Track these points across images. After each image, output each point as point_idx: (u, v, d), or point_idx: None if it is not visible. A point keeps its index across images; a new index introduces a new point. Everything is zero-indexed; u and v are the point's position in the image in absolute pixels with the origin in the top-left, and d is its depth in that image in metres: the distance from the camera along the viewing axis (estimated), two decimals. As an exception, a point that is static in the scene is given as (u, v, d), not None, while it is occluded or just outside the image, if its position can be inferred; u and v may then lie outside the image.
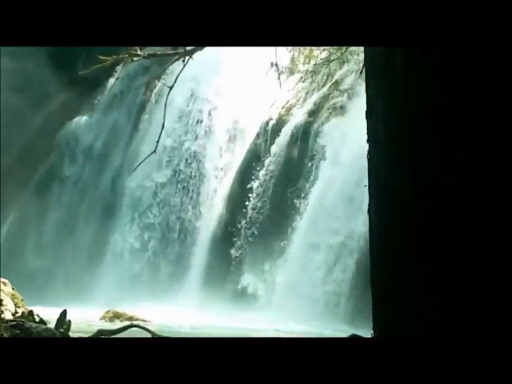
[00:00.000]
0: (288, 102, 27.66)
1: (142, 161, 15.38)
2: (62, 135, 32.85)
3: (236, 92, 29.47)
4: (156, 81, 28.60)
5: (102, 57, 12.70)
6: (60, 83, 33.60)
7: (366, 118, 6.65)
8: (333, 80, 25.98)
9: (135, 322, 16.17)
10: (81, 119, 33.08)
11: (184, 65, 12.34)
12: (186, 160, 29.15)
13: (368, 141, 6.19)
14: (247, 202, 26.39)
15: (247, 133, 28.67)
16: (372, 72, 6.86)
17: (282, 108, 27.63)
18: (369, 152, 5.79)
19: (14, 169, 30.85)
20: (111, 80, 33.17)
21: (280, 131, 26.79)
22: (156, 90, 29.69)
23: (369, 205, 5.17)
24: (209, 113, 29.51)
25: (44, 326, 11.49)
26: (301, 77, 26.66)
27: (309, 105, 26.73)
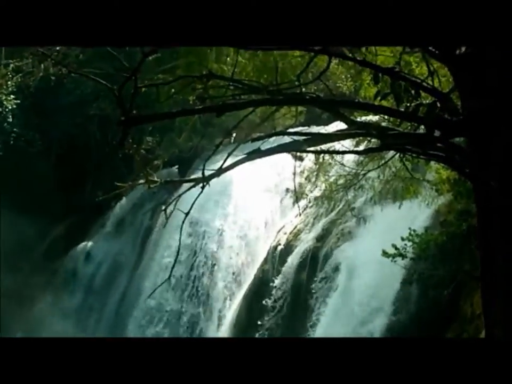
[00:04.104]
0: (296, 227, 27.61)
1: (156, 289, 15.24)
2: (67, 261, 32.69)
3: (242, 218, 29.50)
4: (163, 206, 28.70)
5: (118, 184, 12.66)
6: (66, 207, 33.73)
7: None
8: (341, 206, 26.01)
9: None
10: (87, 245, 32.97)
11: (201, 191, 12.29)
12: (192, 287, 28.85)
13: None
14: (256, 330, 25.93)
15: (255, 258, 28.51)
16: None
17: (290, 233, 27.56)
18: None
19: (19, 293, 30.53)
20: (118, 205, 33.33)
21: (288, 256, 26.59)
22: (162, 215, 29.64)
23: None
24: (216, 239, 29.42)
25: None
26: (309, 202, 26.74)
27: (317, 230, 26.63)
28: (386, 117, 13.37)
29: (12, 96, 31.97)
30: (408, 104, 8.73)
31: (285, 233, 27.84)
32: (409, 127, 11.42)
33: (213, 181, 12.45)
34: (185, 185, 13.13)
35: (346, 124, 10.12)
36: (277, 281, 26.33)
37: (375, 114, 13.92)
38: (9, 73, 27.39)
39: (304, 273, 25.80)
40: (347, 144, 15.42)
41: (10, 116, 33.13)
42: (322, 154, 15.98)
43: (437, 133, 8.75)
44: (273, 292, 26.25)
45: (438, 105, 8.42)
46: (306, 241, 26.56)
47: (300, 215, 27.46)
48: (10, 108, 32.57)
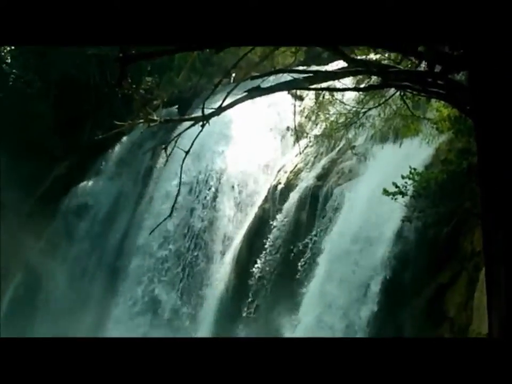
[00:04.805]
0: (296, 166, 27.64)
1: (158, 224, 15.33)
2: (68, 200, 32.77)
3: (243, 156, 29.50)
4: (163, 146, 28.61)
5: (118, 123, 12.60)
6: (66, 148, 33.71)
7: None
8: (341, 145, 25.99)
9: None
10: (88, 183, 33.02)
11: (201, 130, 12.27)
12: (194, 223, 28.97)
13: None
14: (255, 267, 26.13)
15: (255, 197, 28.58)
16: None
17: (290, 172, 27.60)
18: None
19: (20, 234, 30.68)
20: (118, 145, 33.33)
21: (288, 195, 26.68)
22: (163, 155, 29.62)
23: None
24: (217, 177, 29.44)
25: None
26: (310, 141, 26.74)
27: (318, 169, 26.66)
28: (386, 55, 13.29)
29: (10, 37, 31.72)
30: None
31: (285, 172, 27.88)
32: (409, 65, 11.36)
33: (213, 121, 12.44)
34: (185, 125, 13.12)
35: (346, 62, 10.06)
36: (277, 220, 26.48)
37: (376, 52, 13.82)
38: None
39: (304, 212, 25.91)
40: (347, 82, 15.33)
41: (8, 57, 32.95)
42: (322, 93, 15.90)
43: (437, 70, 8.71)
44: (274, 229, 26.41)
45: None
46: (307, 180, 26.61)
47: (300, 153, 27.47)
48: (8, 49, 32.38)
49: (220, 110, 12.23)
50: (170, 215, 14.22)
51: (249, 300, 25.92)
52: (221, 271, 27.94)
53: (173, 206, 14.54)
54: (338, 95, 16.37)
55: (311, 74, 10.56)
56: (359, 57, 11.17)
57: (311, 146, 27.15)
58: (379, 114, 16.00)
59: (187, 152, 12.53)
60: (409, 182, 18.53)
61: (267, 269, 26.03)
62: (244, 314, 25.73)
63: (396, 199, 18.53)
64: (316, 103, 17.68)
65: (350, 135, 18.55)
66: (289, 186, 27.07)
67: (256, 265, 26.15)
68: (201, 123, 12.13)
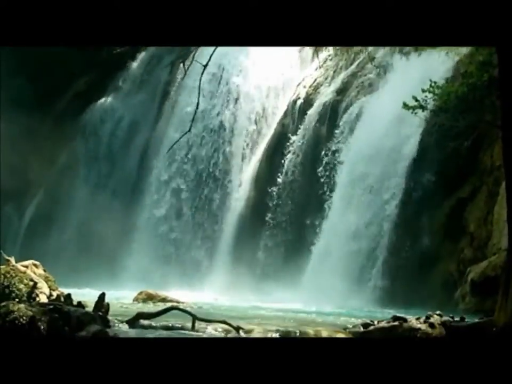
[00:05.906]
0: (315, 80, 27.34)
1: (178, 139, 15.31)
2: (88, 116, 32.67)
3: (262, 71, 29.20)
4: (181, 60, 28.32)
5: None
6: (84, 64, 33.38)
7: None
8: (361, 58, 25.66)
9: (168, 304, 15.98)
10: (107, 100, 32.86)
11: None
12: (215, 139, 28.89)
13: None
14: (275, 181, 26.15)
15: (275, 112, 28.40)
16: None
17: (310, 86, 27.32)
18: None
19: (41, 150, 30.72)
20: (136, 61, 33.04)
21: (308, 110, 26.49)
22: (181, 69, 29.28)
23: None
24: (236, 92, 29.21)
25: (82, 310, 11.12)
26: (329, 55, 26.40)
27: (337, 83, 26.39)
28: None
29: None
30: None
31: (305, 87, 27.61)
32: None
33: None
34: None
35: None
36: (297, 135, 26.36)
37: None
38: None
39: (323, 128, 25.77)
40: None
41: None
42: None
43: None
44: (294, 144, 26.32)
45: None
46: (326, 94, 26.38)
47: (320, 67, 27.14)
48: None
49: (238, 22, 12.06)
50: (189, 130, 14.21)
51: (269, 215, 26.05)
52: (241, 187, 27.98)
53: (192, 121, 14.47)
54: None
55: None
56: None
57: (331, 59, 26.81)
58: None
59: (205, 66, 12.44)
60: (429, 95, 18.25)
61: (287, 182, 26.04)
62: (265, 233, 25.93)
63: (415, 113, 18.30)
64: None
65: (369, 47, 18.23)
66: (309, 101, 26.86)
67: (277, 179, 26.19)
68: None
